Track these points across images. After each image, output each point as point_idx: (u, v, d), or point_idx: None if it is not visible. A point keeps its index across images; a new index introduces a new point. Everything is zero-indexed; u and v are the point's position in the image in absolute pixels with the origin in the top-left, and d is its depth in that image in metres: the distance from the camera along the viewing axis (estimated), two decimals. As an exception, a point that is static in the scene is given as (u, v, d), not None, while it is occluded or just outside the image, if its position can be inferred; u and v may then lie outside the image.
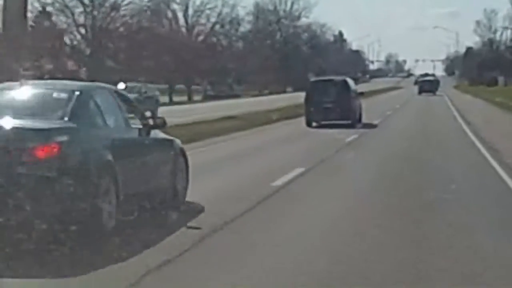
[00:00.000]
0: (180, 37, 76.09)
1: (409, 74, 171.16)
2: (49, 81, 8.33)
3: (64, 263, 5.78)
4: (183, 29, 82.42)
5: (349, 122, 25.42)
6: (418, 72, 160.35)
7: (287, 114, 30.38)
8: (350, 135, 20.13)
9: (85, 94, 6.97)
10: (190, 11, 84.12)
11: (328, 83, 28.11)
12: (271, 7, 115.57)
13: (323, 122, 25.29)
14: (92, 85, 7.83)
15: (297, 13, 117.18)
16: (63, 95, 6.81)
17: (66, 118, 6.55)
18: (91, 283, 5.43)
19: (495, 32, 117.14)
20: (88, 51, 56.44)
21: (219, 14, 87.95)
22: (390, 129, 24.49)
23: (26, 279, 5.52)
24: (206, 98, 69.65)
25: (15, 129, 6.28)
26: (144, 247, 6.45)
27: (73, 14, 57.45)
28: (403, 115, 33.25)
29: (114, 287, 5.44)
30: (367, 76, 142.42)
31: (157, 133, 8.17)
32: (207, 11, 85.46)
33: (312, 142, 18.66)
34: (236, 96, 69.27)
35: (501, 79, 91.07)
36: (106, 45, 58.51)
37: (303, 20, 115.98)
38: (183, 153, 8.54)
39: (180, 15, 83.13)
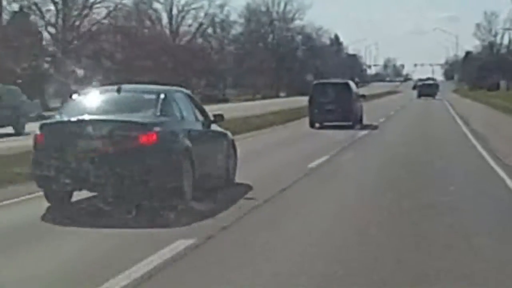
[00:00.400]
0: (163, 39, 74.49)
1: (407, 79, 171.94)
2: (131, 85, 10.79)
3: (158, 220, 8.44)
4: (167, 31, 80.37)
5: (350, 123, 27.24)
6: (416, 76, 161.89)
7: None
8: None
9: (168, 96, 9.45)
10: (175, 11, 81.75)
11: (330, 85, 29.88)
12: (263, 9, 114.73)
13: (325, 124, 27.20)
14: (171, 88, 10.32)
15: (290, 15, 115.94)
16: (152, 96, 9.28)
17: (158, 114, 8.98)
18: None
19: (495, 35, 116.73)
20: (58, 52, 54.02)
21: (206, 14, 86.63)
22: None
23: (132, 229, 8.13)
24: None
25: (123, 122, 8.71)
26: (217, 212, 8.98)
27: (41, 12, 56.03)
28: (397, 125, 30.26)
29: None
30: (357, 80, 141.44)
31: (215, 127, 10.58)
32: (193, 11, 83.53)
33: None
34: (224, 100, 69.29)
35: (503, 83, 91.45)
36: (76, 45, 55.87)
37: (297, 23, 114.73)
38: (233, 143, 10.99)
39: (164, 15, 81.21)
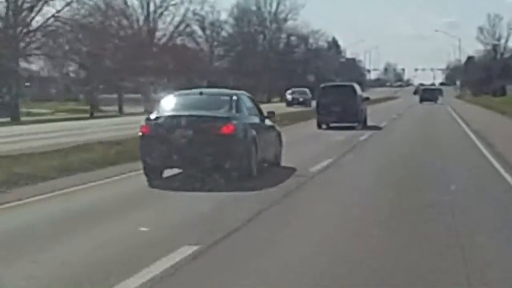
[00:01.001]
0: (138, 38, 71.67)
1: (408, 84, 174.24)
2: (210, 89, 14.67)
3: (232, 186, 12.20)
4: (145, 28, 76.73)
5: (355, 124, 30.29)
6: (417, 81, 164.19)
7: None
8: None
9: (238, 97, 13.40)
10: (152, 7, 78.26)
11: (337, 88, 33.10)
12: (254, 8, 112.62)
13: (332, 125, 30.25)
14: (239, 92, 14.29)
15: (283, 15, 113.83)
16: (227, 98, 13.23)
17: (233, 111, 12.84)
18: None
19: (499, 38, 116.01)
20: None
21: (187, 10, 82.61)
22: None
23: (214, 192, 11.80)
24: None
25: (209, 117, 12.62)
26: (278, 183, 12.80)
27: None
28: (383, 142, 24.08)
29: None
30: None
31: (267, 121, 14.44)
32: (172, 8, 79.13)
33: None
34: None
35: (510, 88, 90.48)
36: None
37: (290, 24, 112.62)
38: (280, 134, 15.38)
39: (141, 11, 77.51)
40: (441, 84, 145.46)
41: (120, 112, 61.45)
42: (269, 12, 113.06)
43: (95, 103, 61.16)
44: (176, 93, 14.42)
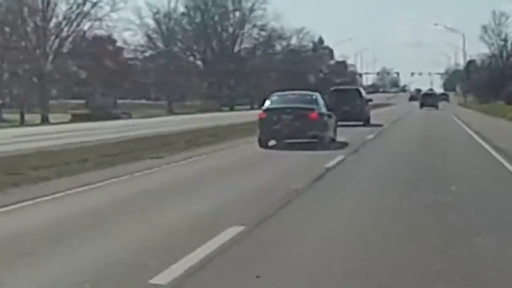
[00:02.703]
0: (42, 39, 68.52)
1: (404, 90, 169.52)
2: (297, 91, 23.56)
3: (311, 150, 22.91)
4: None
5: (361, 123, 38.98)
6: (414, 87, 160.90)
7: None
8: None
9: (316, 96, 23.34)
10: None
11: (345, 91, 41.85)
12: None
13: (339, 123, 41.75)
14: (316, 92, 23.71)
15: (249, 4, 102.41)
16: (311, 95, 23.03)
17: (316, 104, 22.14)
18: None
19: (505, 39, 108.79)
20: None
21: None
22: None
23: (298, 151, 21.73)
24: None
25: (303, 108, 22.67)
26: (338, 148, 22.77)
27: None
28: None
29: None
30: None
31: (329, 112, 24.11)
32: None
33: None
34: (116, 118, 62.95)
35: None
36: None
37: (258, 14, 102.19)
38: (336, 120, 26.80)
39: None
40: (443, 93, 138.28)
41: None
42: (233, 2, 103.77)
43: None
44: (276, 93, 23.25)
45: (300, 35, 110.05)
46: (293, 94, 25.81)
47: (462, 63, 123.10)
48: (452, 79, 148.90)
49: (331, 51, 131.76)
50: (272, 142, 23.70)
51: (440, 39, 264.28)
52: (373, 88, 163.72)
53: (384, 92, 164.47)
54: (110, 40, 76.50)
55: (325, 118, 24.34)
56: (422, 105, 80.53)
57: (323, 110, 24.76)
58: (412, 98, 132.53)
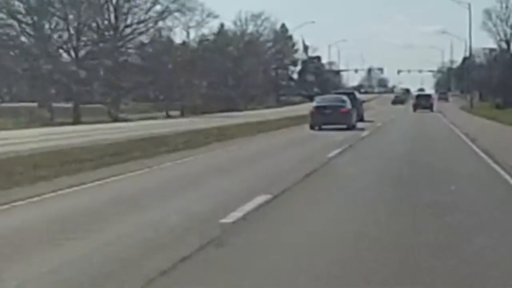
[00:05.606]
0: None
1: (392, 90, 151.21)
2: (334, 94, 37.60)
3: (344, 131, 38.12)
4: None
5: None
6: (403, 87, 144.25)
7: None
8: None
9: (348, 96, 36.95)
10: None
11: (342, 94, 54.32)
12: None
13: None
14: (349, 92, 37.59)
15: None
16: (345, 97, 37.61)
17: (348, 101, 37.68)
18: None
19: None
20: None
21: None
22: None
23: (336, 132, 34.93)
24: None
25: (338, 105, 37.43)
26: (363, 129, 37.43)
27: None
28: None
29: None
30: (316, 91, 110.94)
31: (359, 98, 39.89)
32: None
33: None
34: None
35: None
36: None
37: None
38: (362, 103, 42.42)
39: None
40: (442, 92, 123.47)
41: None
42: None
43: None
44: (320, 96, 36.95)
45: (258, 22, 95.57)
46: (330, 96, 43.23)
47: (461, 56, 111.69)
48: (446, 77, 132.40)
49: (289, 36, 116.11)
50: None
51: (431, 45, 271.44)
52: (360, 88, 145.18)
53: (366, 93, 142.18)
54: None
55: (351, 111, 39.68)
56: (415, 108, 71.60)
57: (349, 106, 40.05)
58: (396, 101, 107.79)
